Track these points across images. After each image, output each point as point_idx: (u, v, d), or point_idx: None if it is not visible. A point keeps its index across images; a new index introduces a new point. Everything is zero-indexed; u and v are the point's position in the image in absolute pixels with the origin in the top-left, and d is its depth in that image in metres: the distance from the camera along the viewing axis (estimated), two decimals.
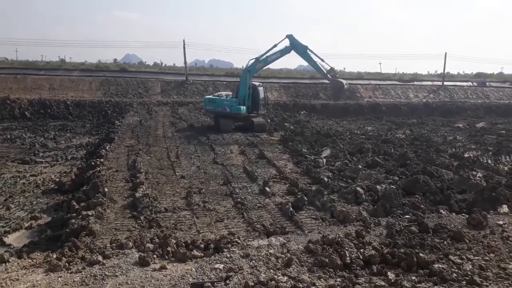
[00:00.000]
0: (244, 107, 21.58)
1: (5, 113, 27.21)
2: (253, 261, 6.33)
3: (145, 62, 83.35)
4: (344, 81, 23.75)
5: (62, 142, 20.31)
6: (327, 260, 6.23)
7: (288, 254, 6.53)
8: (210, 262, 6.37)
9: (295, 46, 21.82)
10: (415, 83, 45.51)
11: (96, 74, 37.11)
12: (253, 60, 21.98)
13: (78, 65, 50.17)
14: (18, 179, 13.54)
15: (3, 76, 32.57)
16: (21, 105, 28.27)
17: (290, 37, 21.79)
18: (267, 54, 22.10)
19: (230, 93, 24.21)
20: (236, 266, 6.14)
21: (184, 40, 40.36)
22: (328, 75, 22.99)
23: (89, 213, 8.91)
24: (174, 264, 6.41)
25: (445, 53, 48.01)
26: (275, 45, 21.97)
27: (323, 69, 22.64)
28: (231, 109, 21.52)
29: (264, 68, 25.12)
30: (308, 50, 21.82)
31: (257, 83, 23.15)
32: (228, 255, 6.55)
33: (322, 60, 22.49)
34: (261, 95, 22.81)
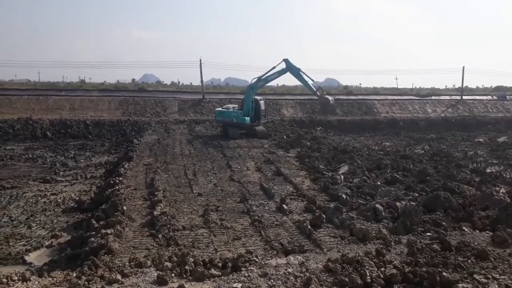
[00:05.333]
0: (248, 117, 25.22)
1: (28, 133, 27.93)
2: (272, 281, 6.25)
3: (163, 81, 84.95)
4: (330, 97, 27.90)
5: (82, 161, 20.68)
6: (347, 280, 6.11)
7: (307, 273, 6.43)
8: (228, 281, 6.32)
9: (290, 68, 25.51)
10: (433, 97, 45.11)
11: (115, 94, 38.01)
12: (256, 79, 25.77)
13: (98, 85, 51.49)
14: (40, 198, 13.81)
15: (26, 97, 33.63)
16: (43, 125, 29.01)
17: (286, 60, 25.47)
18: (267, 74, 25.80)
19: (236, 106, 27.66)
20: (254, 286, 6.08)
21: (200, 60, 41.25)
22: (317, 92, 26.70)
23: (108, 231, 8.98)
24: (192, 283, 6.38)
25: (463, 67, 47.65)
26: (274, 67, 25.68)
27: (313, 88, 26.53)
28: (237, 120, 25.29)
29: (265, 85, 29.44)
30: (301, 72, 25.37)
31: (258, 98, 26.68)
32: (246, 274, 6.49)
33: (313, 80, 26.44)
34: (262, 107, 26.44)
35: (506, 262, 6.78)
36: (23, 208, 12.71)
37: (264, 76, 25.79)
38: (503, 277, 6.26)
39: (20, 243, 9.93)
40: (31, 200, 13.59)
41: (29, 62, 78.90)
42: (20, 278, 6.68)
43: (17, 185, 15.38)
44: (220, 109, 27.67)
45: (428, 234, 8.67)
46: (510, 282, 6.09)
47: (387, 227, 9.55)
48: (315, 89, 26.63)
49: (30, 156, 21.52)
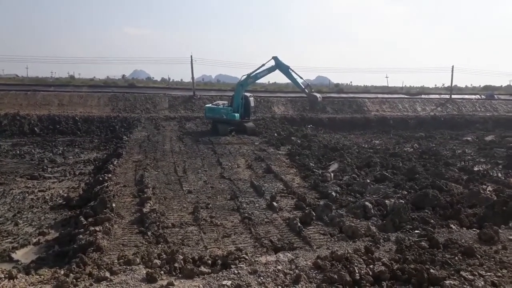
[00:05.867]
0: (238, 114, 25.40)
1: (15, 129, 27.55)
2: (261, 278, 6.25)
3: (153, 77, 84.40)
4: (318, 95, 28.07)
5: (71, 158, 20.47)
6: (336, 277, 6.13)
7: (297, 271, 6.45)
8: (218, 278, 6.30)
9: (279, 65, 25.44)
10: (423, 96, 45.46)
11: (105, 90, 37.63)
12: (245, 76, 25.93)
13: (87, 81, 50.88)
14: (27, 195, 13.63)
15: (13, 92, 33.14)
16: (31, 121, 28.62)
17: (275, 58, 25.47)
18: (256, 72, 25.97)
19: (226, 102, 27.57)
20: (244, 283, 6.07)
21: (191, 56, 41.02)
22: (306, 90, 26.96)
23: (97, 228, 8.91)
24: (182, 281, 6.35)
25: (452, 66, 48.14)
26: (263, 64, 25.84)
27: (302, 85, 26.73)
28: (227, 116, 25.34)
29: (255, 82, 29.75)
30: (289, 69, 25.34)
31: (248, 94, 26.98)
32: (236, 272, 6.48)
33: (302, 78, 26.53)
34: (252, 104, 26.82)
35: (492, 259, 6.87)
36: (10, 205, 12.53)
37: (254, 73, 25.97)
38: (489, 273, 6.35)
39: (6, 240, 9.78)
40: (18, 196, 13.40)
41: (17, 57, 77.77)
42: (7, 275, 6.58)
43: (4, 182, 15.16)
44: (210, 105, 27.71)
45: (416, 231, 8.76)
46: (496, 279, 6.18)
47: (376, 224, 9.63)
48: (303, 87, 26.90)
49: (18, 152, 21.22)
